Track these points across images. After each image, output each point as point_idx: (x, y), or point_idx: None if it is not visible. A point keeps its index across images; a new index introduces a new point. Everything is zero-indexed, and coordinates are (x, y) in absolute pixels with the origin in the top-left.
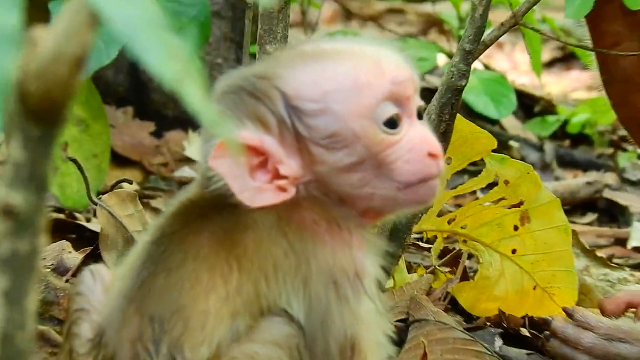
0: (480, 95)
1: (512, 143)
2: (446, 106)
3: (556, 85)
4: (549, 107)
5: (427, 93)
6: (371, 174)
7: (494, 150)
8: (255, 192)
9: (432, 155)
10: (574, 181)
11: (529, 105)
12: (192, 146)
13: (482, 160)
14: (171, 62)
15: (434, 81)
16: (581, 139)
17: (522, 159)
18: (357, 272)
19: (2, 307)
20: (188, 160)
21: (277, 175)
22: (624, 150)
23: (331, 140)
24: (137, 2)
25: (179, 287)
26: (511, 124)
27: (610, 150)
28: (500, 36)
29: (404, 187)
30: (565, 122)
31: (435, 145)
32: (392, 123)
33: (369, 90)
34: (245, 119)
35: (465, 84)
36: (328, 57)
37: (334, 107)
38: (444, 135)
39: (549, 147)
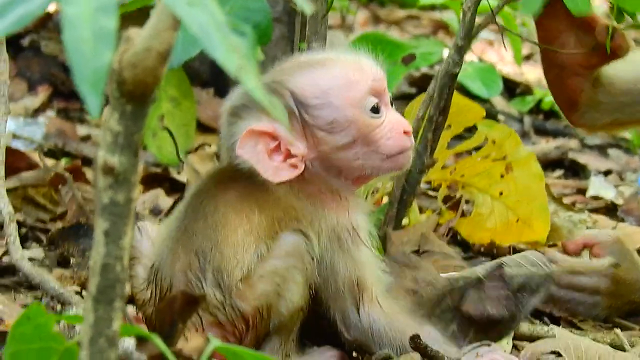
0: (475, 81)
1: (499, 117)
2: (445, 87)
3: (533, 72)
4: (527, 90)
5: None
6: (362, 149)
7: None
8: (275, 170)
9: (406, 132)
10: (546, 146)
11: (512, 88)
12: None
13: (474, 126)
14: (233, 56)
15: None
16: (551, 113)
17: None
18: (354, 228)
19: (102, 244)
20: None
21: (289, 155)
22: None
23: (331, 125)
24: (207, 9)
25: (214, 227)
26: (498, 102)
27: None
28: (477, 33)
29: (387, 157)
30: (540, 101)
31: (407, 125)
32: (375, 110)
33: (357, 86)
34: (262, 112)
35: (459, 71)
36: (323, 64)
37: (332, 100)
38: (444, 109)
39: (527, 120)
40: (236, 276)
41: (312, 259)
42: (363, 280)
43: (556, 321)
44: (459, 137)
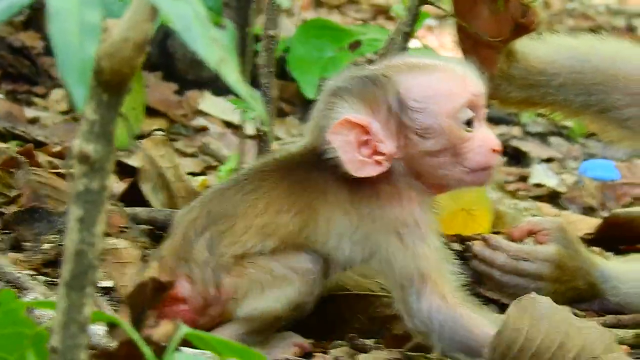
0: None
1: None
2: None
3: None
4: None
5: None
6: (449, 159)
7: None
8: (359, 164)
9: (494, 150)
10: None
11: None
12: (205, 102)
13: None
14: (213, 49)
15: None
16: None
17: None
18: (416, 222)
19: (76, 231)
20: (202, 113)
21: (376, 152)
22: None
23: (425, 131)
24: (188, 1)
25: (239, 203)
26: None
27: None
28: (413, 18)
29: (471, 171)
30: None
31: (497, 143)
32: (469, 123)
33: (457, 97)
34: (362, 103)
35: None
36: (432, 70)
37: (431, 107)
38: None
39: None
40: (233, 250)
41: (318, 283)
42: (425, 272)
43: (504, 308)
44: None
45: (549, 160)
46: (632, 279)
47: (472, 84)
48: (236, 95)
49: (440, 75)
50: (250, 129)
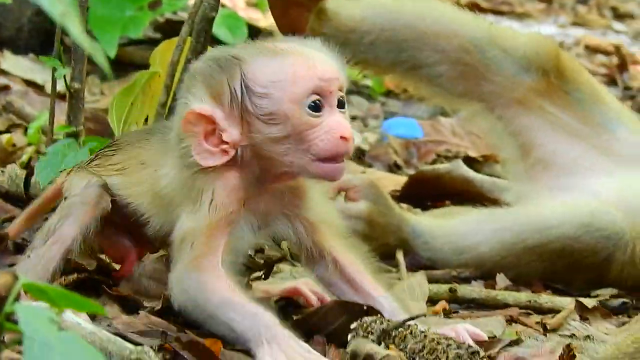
0: (220, 27)
1: None
2: (201, 32)
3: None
4: (269, 35)
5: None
6: (294, 146)
7: None
8: (207, 153)
9: (343, 137)
10: None
11: (256, 34)
12: (6, 61)
13: None
14: (56, 3)
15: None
16: None
17: None
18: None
19: None
20: (3, 72)
21: (222, 141)
22: None
23: (269, 117)
24: None
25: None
26: None
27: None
28: None
29: (316, 159)
30: None
31: (347, 130)
32: (315, 108)
33: (301, 82)
34: (209, 90)
35: (215, 15)
36: (279, 55)
37: (275, 93)
38: (200, 53)
39: None
40: None
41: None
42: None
43: None
44: None
45: (351, 118)
46: (443, 234)
47: (321, 69)
48: (43, 54)
49: (287, 60)
50: (58, 88)
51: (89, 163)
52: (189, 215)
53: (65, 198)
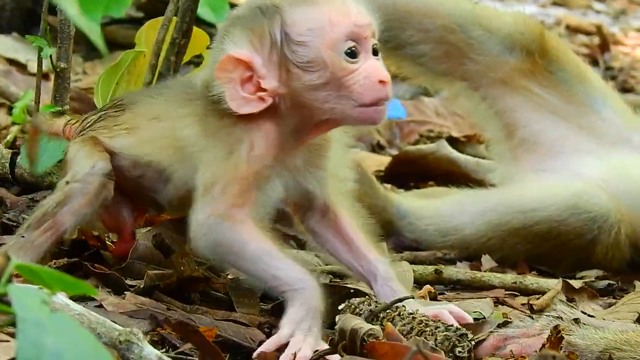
0: (202, 6)
1: None
2: (187, 11)
3: None
4: None
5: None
6: (334, 93)
7: (209, 47)
8: (242, 101)
9: (382, 82)
10: None
11: None
12: None
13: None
14: None
15: None
16: None
17: None
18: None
19: None
20: None
21: (259, 88)
22: None
23: (308, 64)
24: None
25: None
26: None
27: None
28: None
29: (358, 105)
30: None
31: (384, 74)
32: (352, 54)
33: (337, 28)
34: (248, 37)
35: None
36: (315, 3)
37: (312, 40)
38: (186, 33)
39: None
40: None
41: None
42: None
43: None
44: (188, 64)
45: None
46: (428, 215)
47: (355, 16)
48: (26, 33)
49: (322, 8)
50: (43, 67)
51: (94, 124)
52: (220, 162)
53: (66, 174)
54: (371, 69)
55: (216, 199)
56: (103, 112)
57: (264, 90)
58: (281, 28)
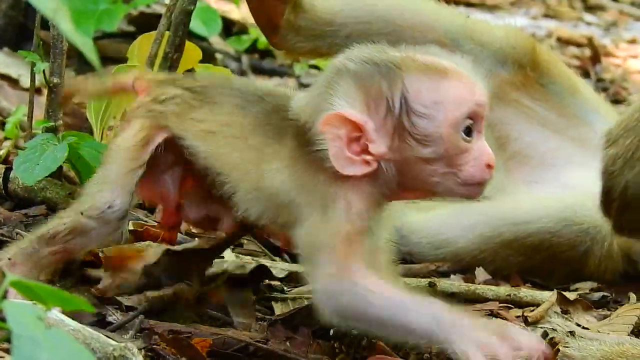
0: (194, 20)
1: (217, 56)
2: (180, 25)
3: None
4: (243, 29)
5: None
6: (443, 168)
7: (201, 61)
8: (346, 161)
9: (489, 166)
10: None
11: (229, 27)
12: None
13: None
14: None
15: (160, 9)
16: (267, 53)
17: (225, 67)
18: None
19: None
20: None
21: (366, 151)
22: (299, 61)
23: (425, 137)
24: None
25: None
26: (216, 41)
27: (289, 62)
28: None
29: (463, 184)
30: (256, 40)
31: (493, 158)
32: (468, 133)
33: (462, 107)
34: (362, 96)
35: (194, 8)
36: (443, 74)
37: (436, 115)
38: (179, 47)
39: (244, 59)
40: None
41: None
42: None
43: None
44: None
45: None
46: (420, 228)
47: (479, 93)
48: (18, 48)
49: (451, 81)
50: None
51: (165, 101)
52: (318, 222)
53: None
54: (482, 150)
55: (327, 262)
56: (179, 91)
57: (371, 154)
58: (401, 95)
